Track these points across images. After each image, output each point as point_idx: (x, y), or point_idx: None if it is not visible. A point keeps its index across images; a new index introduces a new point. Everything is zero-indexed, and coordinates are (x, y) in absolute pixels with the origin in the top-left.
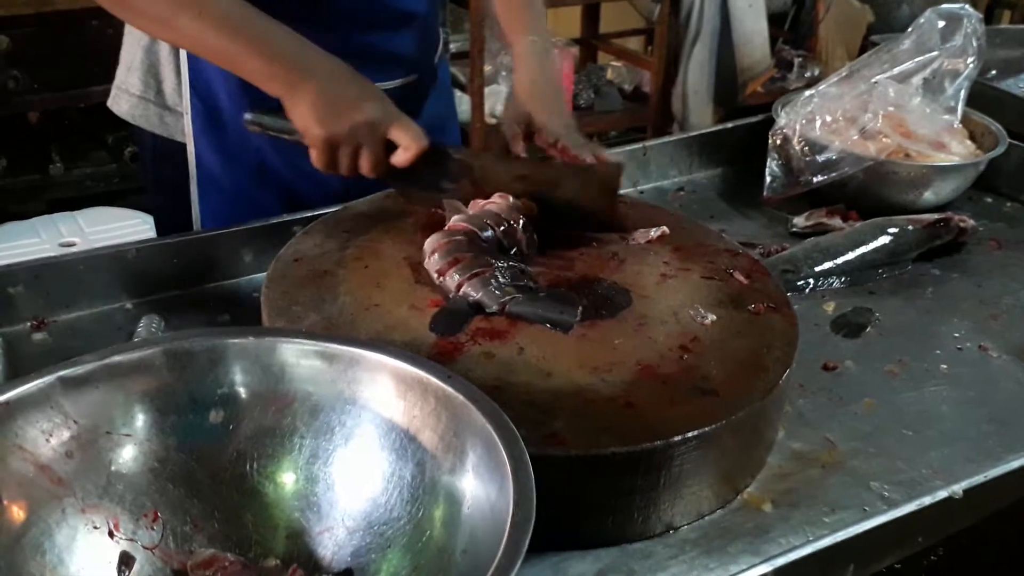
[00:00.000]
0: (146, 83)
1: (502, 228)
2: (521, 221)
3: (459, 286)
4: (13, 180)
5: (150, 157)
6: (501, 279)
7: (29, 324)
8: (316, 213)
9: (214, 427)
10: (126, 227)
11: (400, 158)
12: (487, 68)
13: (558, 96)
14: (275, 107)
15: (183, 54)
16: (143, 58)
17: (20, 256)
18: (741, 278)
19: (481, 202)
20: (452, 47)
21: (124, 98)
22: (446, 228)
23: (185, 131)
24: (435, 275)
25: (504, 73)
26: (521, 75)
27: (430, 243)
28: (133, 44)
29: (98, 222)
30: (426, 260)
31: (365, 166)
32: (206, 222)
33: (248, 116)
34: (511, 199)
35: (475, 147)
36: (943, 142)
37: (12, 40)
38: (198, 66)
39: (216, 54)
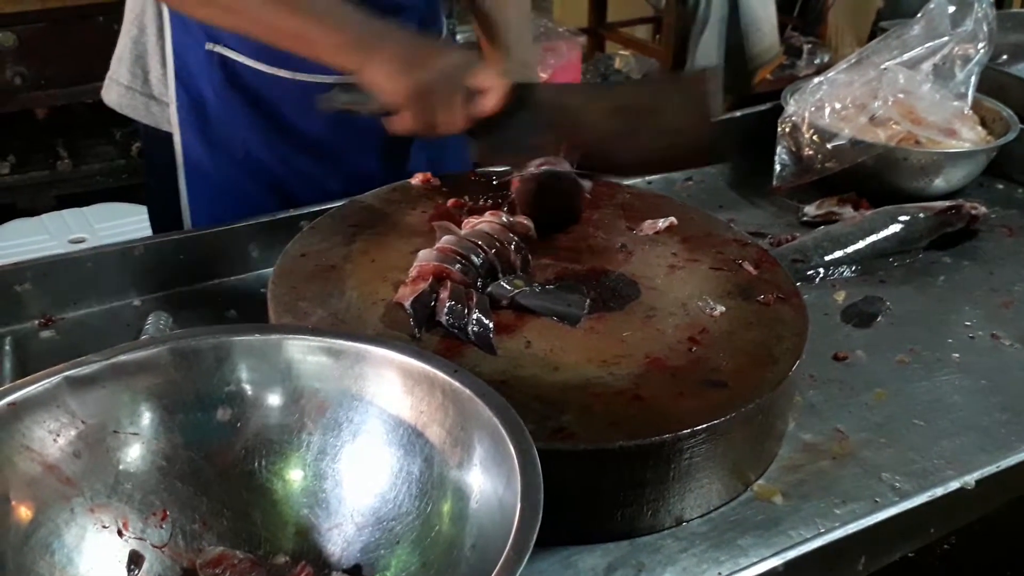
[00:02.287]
0: (133, 73)
1: (494, 250)
2: (514, 242)
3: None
4: (21, 176)
5: (142, 147)
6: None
7: (37, 322)
8: (323, 208)
9: (221, 425)
10: (135, 222)
11: (487, 103)
12: None
13: None
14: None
15: (168, 44)
16: (131, 48)
17: (29, 253)
18: (750, 268)
19: (473, 221)
20: (459, 38)
21: (114, 88)
22: (435, 249)
23: (171, 121)
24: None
25: None
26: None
27: (415, 268)
28: (124, 35)
29: (107, 218)
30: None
31: (451, 117)
32: (195, 212)
33: (324, 98)
34: (504, 217)
35: None
36: (953, 128)
37: (18, 36)
38: (183, 56)
39: (284, 35)
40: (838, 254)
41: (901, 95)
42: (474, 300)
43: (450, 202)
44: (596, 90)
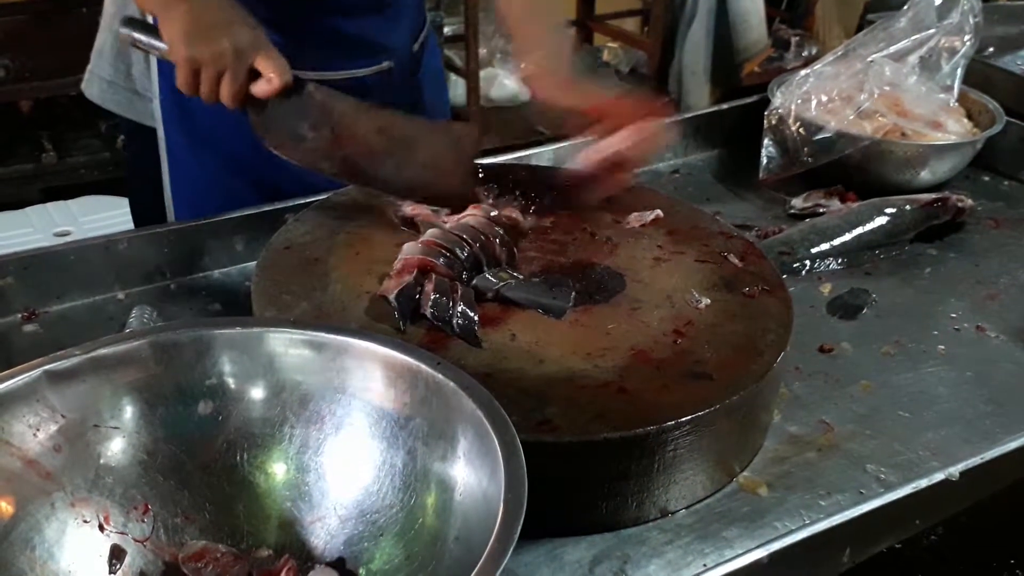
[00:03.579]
0: (116, 67)
1: (479, 243)
2: (499, 235)
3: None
4: (6, 169)
5: (125, 141)
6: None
7: (20, 315)
8: (307, 200)
9: (203, 418)
10: (120, 215)
11: (261, 88)
12: (482, 51)
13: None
14: (153, 23)
15: None
16: (112, 42)
17: (14, 246)
18: (735, 261)
19: (456, 216)
20: (447, 30)
21: (95, 82)
22: (420, 242)
23: (154, 116)
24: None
25: (499, 56)
26: None
27: (399, 262)
28: (104, 28)
29: (92, 211)
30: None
31: (225, 92)
32: (179, 206)
33: (123, 30)
34: (489, 211)
35: None
36: (939, 121)
37: (2, 28)
38: None
39: None
40: (824, 246)
41: (887, 88)
42: (459, 293)
43: None
44: (365, 106)
